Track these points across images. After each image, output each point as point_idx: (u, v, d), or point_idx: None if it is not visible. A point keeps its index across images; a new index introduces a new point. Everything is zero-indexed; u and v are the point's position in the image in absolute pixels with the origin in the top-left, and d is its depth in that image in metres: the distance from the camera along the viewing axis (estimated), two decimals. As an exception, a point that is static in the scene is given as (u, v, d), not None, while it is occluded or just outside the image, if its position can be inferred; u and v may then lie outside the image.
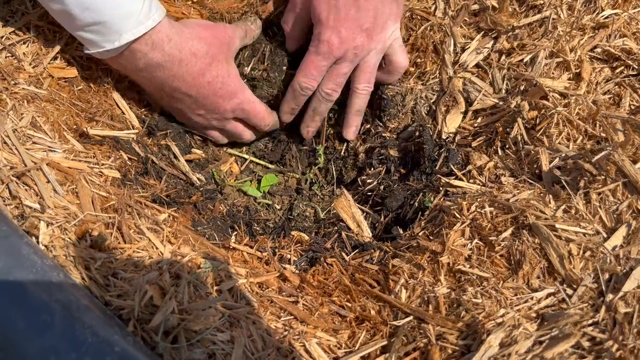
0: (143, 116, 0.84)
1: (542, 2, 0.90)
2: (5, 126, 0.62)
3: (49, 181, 0.60)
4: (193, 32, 0.77)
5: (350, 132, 0.91)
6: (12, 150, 0.61)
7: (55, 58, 0.77)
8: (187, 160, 0.86)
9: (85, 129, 0.70)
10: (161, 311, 0.49)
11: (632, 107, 0.80)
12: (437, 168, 0.80)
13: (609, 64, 0.85)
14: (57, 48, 0.78)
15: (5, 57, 0.74)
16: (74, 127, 0.70)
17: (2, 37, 0.75)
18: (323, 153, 0.93)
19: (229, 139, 0.92)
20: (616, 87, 0.82)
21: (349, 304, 0.60)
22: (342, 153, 0.95)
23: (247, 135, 0.91)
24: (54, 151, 0.64)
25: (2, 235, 0.50)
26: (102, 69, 0.81)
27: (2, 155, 0.60)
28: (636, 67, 0.83)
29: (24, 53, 0.75)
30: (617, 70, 0.83)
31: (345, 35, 0.80)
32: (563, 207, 0.63)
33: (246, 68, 0.89)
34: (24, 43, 0.76)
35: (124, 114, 0.81)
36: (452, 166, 0.78)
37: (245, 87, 0.85)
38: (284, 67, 0.91)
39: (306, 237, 0.75)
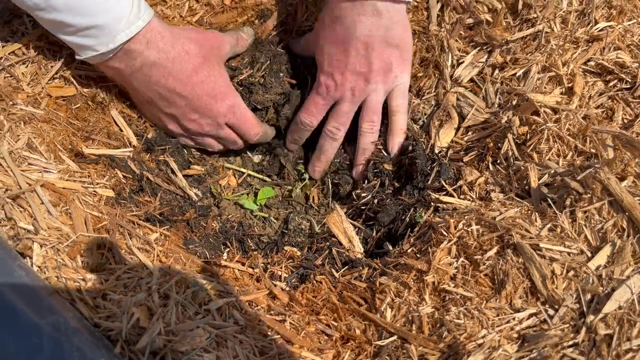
0: (142, 133, 0.85)
1: (535, 15, 0.90)
2: (2, 148, 0.64)
3: (42, 203, 0.61)
4: (184, 32, 0.80)
5: (356, 172, 0.92)
6: (8, 172, 0.63)
7: (54, 78, 0.79)
8: (185, 176, 0.88)
9: (80, 149, 0.71)
10: (148, 333, 0.51)
11: (625, 121, 0.80)
12: (429, 183, 0.81)
13: (602, 78, 0.85)
14: (56, 67, 0.79)
15: (4, 78, 0.76)
16: (70, 147, 0.72)
17: (2, 58, 0.77)
18: (306, 171, 0.95)
19: (223, 146, 0.94)
20: (609, 100, 0.82)
21: (335, 323, 0.61)
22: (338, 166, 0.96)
23: (239, 143, 0.93)
24: (49, 172, 0.66)
25: (-5, 259, 0.52)
26: (101, 86, 0.83)
27: (-2, 177, 0.62)
28: (629, 81, 0.83)
29: (22, 73, 0.77)
30: (611, 84, 0.84)
31: (339, 79, 0.85)
32: (549, 225, 0.63)
33: (243, 72, 0.91)
34: (24, 63, 0.78)
35: (121, 130, 0.83)
36: (443, 181, 0.79)
37: (237, 93, 0.87)
38: (281, 74, 0.93)
39: (298, 253, 0.76)
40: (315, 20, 0.99)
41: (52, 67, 0.80)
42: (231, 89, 0.86)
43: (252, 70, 0.92)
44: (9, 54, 0.78)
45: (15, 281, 0.51)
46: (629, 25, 0.90)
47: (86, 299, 0.54)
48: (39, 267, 0.56)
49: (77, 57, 0.74)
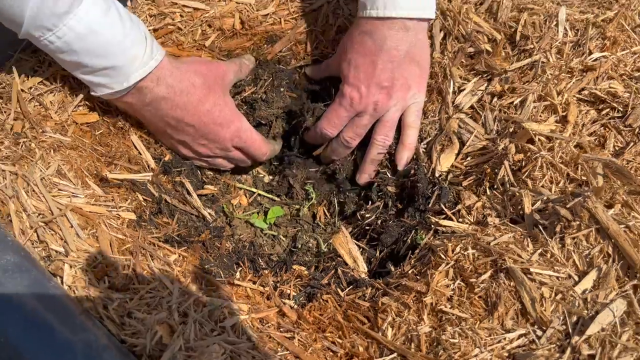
0: (159, 156, 0.91)
1: (532, 46, 0.95)
2: (34, 175, 0.70)
3: (72, 226, 0.67)
4: (190, 67, 0.85)
5: (363, 178, 0.98)
6: (40, 197, 0.68)
7: (78, 105, 0.85)
8: (199, 195, 0.93)
9: (104, 174, 0.77)
10: (169, 349, 0.56)
11: (617, 148, 0.84)
12: (430, 205, 0.86)
13: (595, 106, 0.89)
14: (81, 96, 0.85)
15: (34, 107, 0.81)
16: (95, 172, 0.78)
17: (31, 87, 0.83)
18: (313, 191, 1.00)
19: (234, 164, 0.99)
20: (602, 128, 0.87)
21: (340, 340, 0.66)
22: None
23: (248, 162, 0.99)
24: (77, 197, 0.71)
25: (33, 279, 0.57)
26: (121, 113, 0.89)
27: (32, 202, 0.67)
28: (621, 110, 0.87)
29: (50, 102, 0.83)
30: (603, 112, 0.88)
31: (364, 92, 0.89)
32: (540, 250, 0.68)
33: (246, 90, 0.96)
34: (51, 92, 0.84)
35: (140, 154, 0.88)
36: (442, 205, 0.84)
37: (242, 117, 0.92)
38: (282, 89, 0.98)
39: (306, 272, 0.81)
40: (325, 48, 1.05)
41: (76, 95, 0.85)
42: (236, 114, 0.91)
43: (254, 88, 0.97)
44: (37, 83, 0.84)
45: (50, 300, 0.56)
46: (622, 55, 0.94)
47: (113, 317, 0.59)
48: (69, 286, 0.62)
49: (92, 93, 0.80)
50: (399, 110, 0.92)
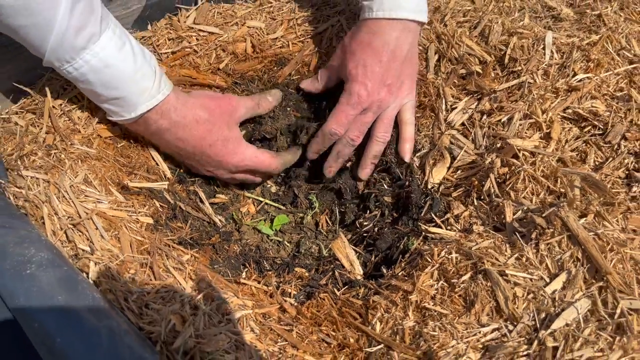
0: (175, 167, 1.00)
1: (520, 68, 1.02)
2: (64, 183, 0.78)
3: (97, 228, 0.75)
4: (197, 101, 0.91)
5: (364, 173, 1.05)
6: (69, 202, 0.77)
7: (102, 121, 0.94)
8: (211, 203, 1.01)
9: (125, 183, 0.85)
10: (181, 336, 0.63)
11: (597, 163, 0.91)
12: (422, 214, 0.93)
13: (577, 124, 0.96)
14: (103, 111, 0.94)
15: (64, 121, 0.90)
16: (117, 180, 0.86)
17: (61, 104, 0.92)
18: (316, 200, 1.08)
19: (244, 183, 1.07)
20: (583, 144, 0.93)
21: (334, 333, 0.73)
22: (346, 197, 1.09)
23: (259, 180, 1.06)
24: (101, 202, 0.80)
25: (64, 273, 0.65)
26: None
27: (62, 207, 0.76)
28: (602, 127, 0.94)
29: (78, 117, 0.92)
30: (585, 130, 0.95)
31: (371, 89, 0.94)
32: (516, 255, 0.75)
33: None
34: (79, 109, 0.93)
35: (157, 165, 0.97)
36: (433, 214, 0.91)
37: (248, 146, 0.98)
38: (288, 109, 1.06)
39: (307, 274, 0.89)
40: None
41: (100, 111, 0.94)
42: (240, 145, 0.97)
43: None
44: (66, 100, 0.93)
45: (78, 292, 0.64)
46: (606, 76, 1.01)
47: (132, 308, 0.67)
48: (94, 281, 0.70)
49: (107, 117, 0.89)
50: (397, 107, 0.99)
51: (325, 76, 1.05)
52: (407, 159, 1.01)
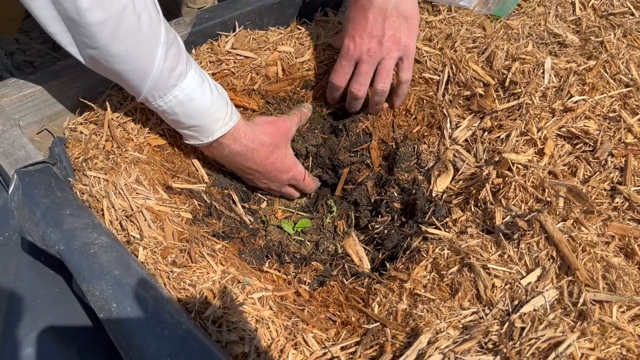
0: (211, 172, 1.15)
1: (520, 90, 1.14)
2: (120, 182, 0.94)
3: (145, 220, 0.91)
4: (261, 128, 1.06)
5: (375, 110, 1.20)
6: (124, 198, 0.93)
7: (151, 132, 1.10)
8: (242, 206, 1.16)
9: (170, 184, 1.01)
10: (212, 307, 0.78)
11: (585, 177, 1.01)
12: (426, 219, 1.05)
13: (570, 141, 1.07)
14: (153, 124, 1.10)
15: (120, 131, 1.07)
16: (163, 182, 1.02)
17: (118, 116, 1.09)
18: (334, 204, 1.22)
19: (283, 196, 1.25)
20: (575, 159, 1.04)
21: (339, 313, 0.86)
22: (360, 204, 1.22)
23: (297, 195, 1.24)
24: (149, 199, 0.95)
25: (119, 254, 0.81)
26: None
27: (118, 201, 0.92)
28: (592, 145, 1.05)
29: (132, 128, 1.08)
30: (577, 146, 1.05)
31: (358, 41, 1.06)
32: (499, 252, 0.86)
33: None
34: (132, 121, 1.09)
35: (197, 170, 1.13)
36: (435, 218, 1.03)
37: (298, 163, 1.16)
38: (316, 131, 1.21)
39: (321, 267, 1.02)
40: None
41: (150, 123, 1.11)
42: (294, 163, 1.15)
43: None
44: (122, 114, 1.10)
45: (130, 270, 0.79)
46: (600, 98, 1.12)
47: (172, 284, 0.82)
48: (143, 262, 0.85)
49: (184, 141, 1.04)
50: (393, 59, 1.08)
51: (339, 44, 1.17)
52: (396, 106, 1.18)
